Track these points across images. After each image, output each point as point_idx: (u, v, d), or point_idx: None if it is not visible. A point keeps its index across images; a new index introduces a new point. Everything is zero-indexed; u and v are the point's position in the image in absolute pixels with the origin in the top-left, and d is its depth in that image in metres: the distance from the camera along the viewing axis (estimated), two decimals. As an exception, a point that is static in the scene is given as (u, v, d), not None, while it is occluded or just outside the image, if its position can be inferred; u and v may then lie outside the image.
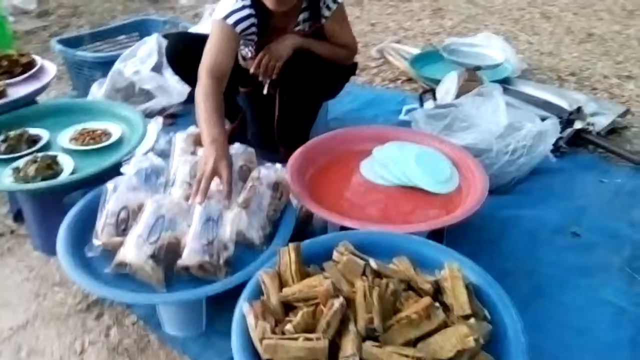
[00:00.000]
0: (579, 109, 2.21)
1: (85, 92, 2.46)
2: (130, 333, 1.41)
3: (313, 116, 2.01)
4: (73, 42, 2.71)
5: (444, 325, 1.07)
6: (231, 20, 1.68)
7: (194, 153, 1.53)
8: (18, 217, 1.82)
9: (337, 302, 1.04)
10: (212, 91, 1.58)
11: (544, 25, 3.75)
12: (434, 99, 2.15)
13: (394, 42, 3.29)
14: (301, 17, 1.80)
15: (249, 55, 1.91)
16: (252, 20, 1.72)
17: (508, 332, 1.09)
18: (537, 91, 2.48)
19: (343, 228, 1.46)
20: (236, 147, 1.53)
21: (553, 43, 3.44)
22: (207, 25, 2.66)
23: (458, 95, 2.19)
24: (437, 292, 1.17)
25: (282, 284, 1.16)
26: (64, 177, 1.54)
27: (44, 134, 1.78)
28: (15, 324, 1.45)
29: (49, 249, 1.65)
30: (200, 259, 1.24)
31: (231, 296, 1.17)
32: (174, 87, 2.34)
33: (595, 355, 1.34)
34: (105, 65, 2.46)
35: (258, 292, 1.17)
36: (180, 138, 1.56)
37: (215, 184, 1.37)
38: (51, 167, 1.59)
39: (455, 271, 1.17)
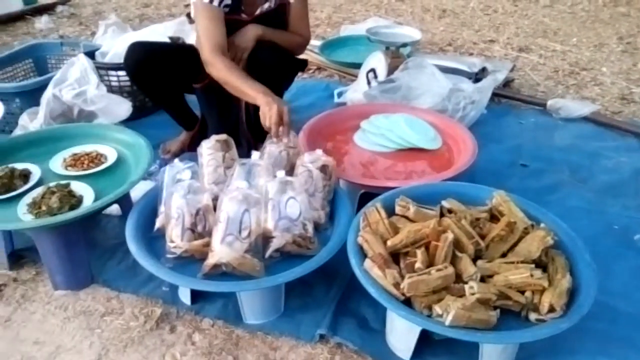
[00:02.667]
0: (483, 69, 2.63)
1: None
2: (215, 334, 1.43)
3: None
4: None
5: (523, 235, 1.32)
6: (216, 1, 1.78)
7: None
8: (13, 261, 1.67)
9: (450, 236, 1.23)
10: (230, 64, 1.74)
11: (403, 7, 4.23)
12: (375, 76, 2.39)
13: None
14: None
15: None
16: None
17: (559, 234, 1.37)
18: (438, 60, 2.86)
19: (365, 194, 1.64)
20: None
21: (418, 21, 3.92)
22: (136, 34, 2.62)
23: (389, 72, 2.46)
24: (493, 218, 1.42)
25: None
26: (102, 200, 1.48)
27: (31, 167, 1.67)
28: (88, 364, 1.38)
29: (76, 283, 1.58)
30: (294, 234, 1.33)
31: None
32: (117, 106, 2.27)
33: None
34: (24, 94, 2.31)
35: (360, 252, 1.31)
36: (206, 145, 1.60)
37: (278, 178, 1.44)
38: (72, 196, 1.52)
39: (504, 196, 1.43)
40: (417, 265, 1.20)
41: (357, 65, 2.69)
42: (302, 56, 3.12)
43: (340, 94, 2.65)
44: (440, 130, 1.94)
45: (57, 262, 1.55)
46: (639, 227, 1.79)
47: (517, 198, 1.47)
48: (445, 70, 2.68)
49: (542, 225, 1.34)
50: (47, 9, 4.47)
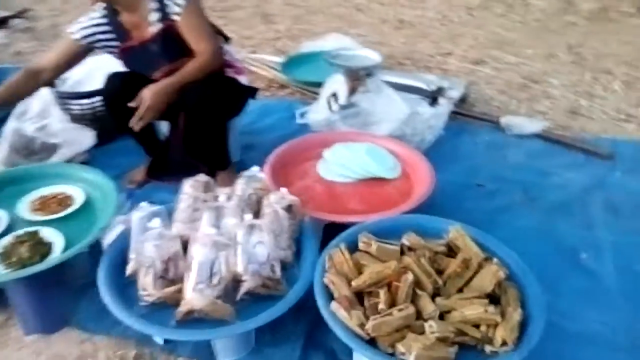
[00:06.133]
0: (440, 89, 2.73)
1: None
2: (187, 372, 1.49)
3: (223, 135, 2.13)
4: None
5: (478, 270, 1.41)
6: (77, 34, 1.98)
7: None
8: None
9: (410, 277, 1.32)
10: (17, 76, 1.95)
11: (362, 19, 4.31)
12: (336, 100, 2.46)
13: (250, 53, 3.52)
14: (152, 17, 1.93)
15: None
16: (104, 27, 1.98)
17: (511, 266, 1.47)
18: (397, 78, 2.94)
19: (329, 224, 1.72)
20: (247, 174, 1.69)
21: (377, 33, 4.01)
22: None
23: (350, 93, 2.53)
24: (450, 250, 1.52)
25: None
26: (72, 250, 1.50)
27: (-2, 213, 1.68)
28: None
29: (49, 327, 1.61)
30: (263, 277, 1.40)
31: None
32: (80, 136, 2.28)
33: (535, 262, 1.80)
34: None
35: (327, 293, 1.38)
36: (187, 183, 1.65)
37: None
38: (42, 244, 1.54)
39: (460, 231, 1.52)
40: (380, 306, 1.28)
41: (319, 84, 2.76)
42: (262, 72, 3.23)
43: (302, 115, 2.71)
44: (399, 157, 2.03)
45: (28, 308, 1.58)
46: (586, 246, 1.92)
47: (472, 229, 1.56)
48: (404, 88, 2.78)
49: (494, 260, 1.44)
50: (1, 23, 4.38)
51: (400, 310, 1.27)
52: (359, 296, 1.37)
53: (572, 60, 3.57)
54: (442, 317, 1.32)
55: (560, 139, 2.57)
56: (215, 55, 1.96)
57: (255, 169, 1.71)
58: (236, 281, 1.42)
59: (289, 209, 1.57)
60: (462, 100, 2.92)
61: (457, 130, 2.64)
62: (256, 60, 3.36)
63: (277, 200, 1.58)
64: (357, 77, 2.64)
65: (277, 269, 1.45)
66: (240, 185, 1.66)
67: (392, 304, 1.31)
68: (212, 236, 1.42)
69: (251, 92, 2.25)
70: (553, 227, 2.02)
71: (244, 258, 1.42)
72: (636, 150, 2.52)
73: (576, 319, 1.63)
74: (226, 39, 2.23)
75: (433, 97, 2.69)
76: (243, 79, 2.21)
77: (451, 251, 1.51)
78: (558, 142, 2.55)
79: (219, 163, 2.15)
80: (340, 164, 1.95)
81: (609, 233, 1.99)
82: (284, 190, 1.61)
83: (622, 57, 3.59)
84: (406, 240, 1.49)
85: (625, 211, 2.12)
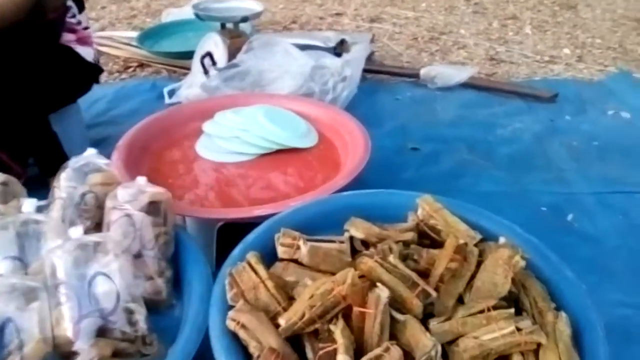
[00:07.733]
0: (342, 42, 2.19)
1: None
2: None
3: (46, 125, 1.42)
4: None
5: (480, 260, 0.86)
6: None
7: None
8: None
9: (383, 294, 0.73)
10: None
11: (233, -11, 3.68)
12: (213, 63, 1.83)
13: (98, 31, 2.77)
14: None
15: None
16: None
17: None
18: (286, 39, 2.37)
19: (225, 226, 1.10)
20: (75, 163, 1.00)
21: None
22: None
23: (230, 56, 1.92)
24: (422, 237, 0.95)
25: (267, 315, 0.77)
26: None
27: None
28: None
29: None
30: (114, 338, 0.74)
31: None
32: None
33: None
34: None
35: (236, 346, 0.75)
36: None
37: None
38: None
39: (433, 203, 0.96)
40: (340, 357, 0.68)
41: (189, 55, 2.11)
42: (113, 52, 2.51)
43: (171, 93, 2.03)
44: (311, 119, 1.44)
45: None
46: (569, 205, 1.47)
47: (444, 200, 1.01)
48: (299, 47, 2.20)
49: (501, 239, 0.90)
50: None
51: (378, 358, 0.68)
52: (295, 342, 0.76)
53: (473, 10, 3.22)
54: (445, 354, 0.75)
55: (494, 85, 2.13)
56: None
57: (90, 152, 1.02)
58: (64, 355, 0.75)
59: (152, 209, 0.92)
60: (368, 58, 2.41)
61: (370, 88, 2.11)
62: (105, 38, 2.62)
63: (128, 196, 0.92)
64: (238, 33, 2.02)
65: (140, 317, 0.79)
66: (65, 182, 0.97)
67: (358, 348, 0.72)
68: (5, 277, 0.74)
69: (94, 73, 1.57)
70: (522, 186, 1.55)
71: (73, 309, 0.76)
72: (577, 89, 2.15)
73: (600, 306, 1.13)
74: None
75: (336, 54, 2.15)
76: (87, 52, 1.51)
77: (423, 238, 0.95)
78: (492, 90, 2.11)
79: (48, 163, 1.42)
80: (230, 137, 1.32)
81: (587, 184, 1.56)
82: (141, 179, 0.96)
83: (522, 3, 3.31)
84: (354, 229, 0.90)
85: (591, 157, 1.72)
